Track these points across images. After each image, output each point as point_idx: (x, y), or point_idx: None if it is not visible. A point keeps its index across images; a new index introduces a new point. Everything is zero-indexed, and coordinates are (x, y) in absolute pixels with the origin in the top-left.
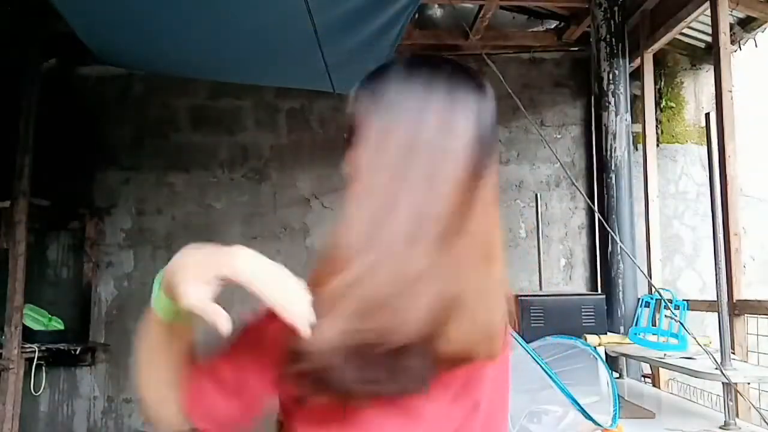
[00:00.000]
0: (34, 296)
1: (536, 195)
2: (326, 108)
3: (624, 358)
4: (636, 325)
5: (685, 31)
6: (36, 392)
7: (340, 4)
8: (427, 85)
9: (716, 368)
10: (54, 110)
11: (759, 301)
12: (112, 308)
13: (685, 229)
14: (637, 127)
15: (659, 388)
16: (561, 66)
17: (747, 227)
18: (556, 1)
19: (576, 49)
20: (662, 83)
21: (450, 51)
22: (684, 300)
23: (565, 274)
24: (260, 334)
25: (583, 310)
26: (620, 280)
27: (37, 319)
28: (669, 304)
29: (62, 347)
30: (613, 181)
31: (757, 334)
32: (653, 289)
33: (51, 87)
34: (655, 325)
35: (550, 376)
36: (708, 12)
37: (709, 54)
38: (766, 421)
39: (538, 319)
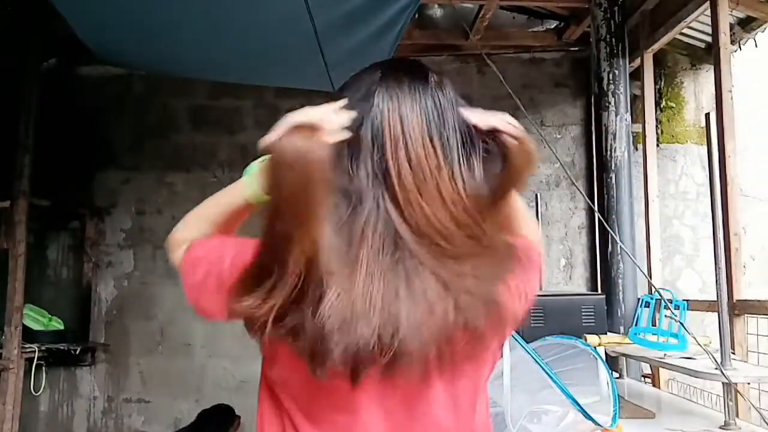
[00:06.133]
0: (34, 296)
1: (536, 195)
2: None
3: (624, 358)
4: (636, 325)
5: (685, 31)
6: (36, 392)
7: (340, 4)
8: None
9: (716, 368)
10: (54, 110)
11: (759, 301)
12: (112, 308)
13: (685, 229)
14: (637, 127)
15: (659, 388)
16: (561, 66)
17: (747, 227)
18: (556, 1)
19: (576, 49)
20: (662, 83)
21: (450, 51)
22: (684, 300)
23: (565, 274)
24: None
25: (583, 310)
26: (620, 280)
27: (37, 319)
28: (669, 304)
29: (62, 347)
30: (613, 181)
31: (757, 334)
32: (653, 289)
33: (51, 87)
34: (655, 325)
35: (550, 376)
36: (708, 12)
37: (709, 54)
38: (766, 421)
39: (538, 319)
